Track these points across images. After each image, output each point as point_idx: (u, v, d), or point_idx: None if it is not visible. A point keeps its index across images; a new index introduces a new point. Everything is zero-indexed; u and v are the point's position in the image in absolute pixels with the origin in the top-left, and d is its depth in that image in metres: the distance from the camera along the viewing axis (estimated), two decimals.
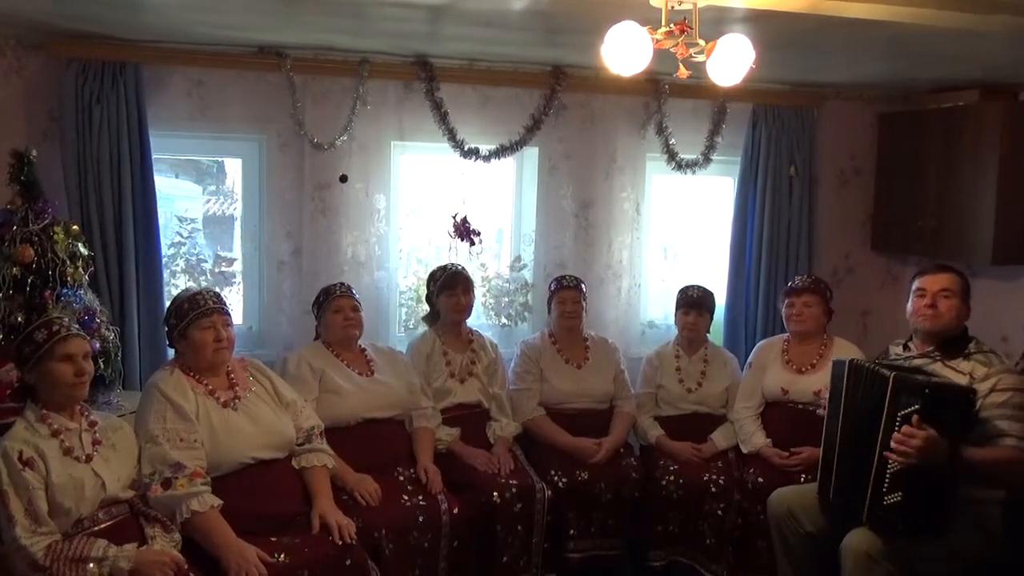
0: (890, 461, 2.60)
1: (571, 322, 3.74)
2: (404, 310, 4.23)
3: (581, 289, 3.77)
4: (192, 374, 2.78)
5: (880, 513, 2.67)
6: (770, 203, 4.32)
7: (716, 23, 2.76)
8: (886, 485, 2.64)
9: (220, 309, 2.84)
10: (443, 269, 3.67)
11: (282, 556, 2.55)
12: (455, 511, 3.10)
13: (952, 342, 2.89)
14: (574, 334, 3.80)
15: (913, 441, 2.52)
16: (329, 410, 3.16)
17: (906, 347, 3.05)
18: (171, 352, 2.95)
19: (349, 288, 3.44)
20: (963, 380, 2.76)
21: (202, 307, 2.79)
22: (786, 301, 3.69)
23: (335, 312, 3.34)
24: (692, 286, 3.85)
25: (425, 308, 3.82)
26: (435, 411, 3.46)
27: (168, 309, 2.90)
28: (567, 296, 3.74)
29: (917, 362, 2.91)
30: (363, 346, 3.45)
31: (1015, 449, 2.64)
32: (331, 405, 3.18)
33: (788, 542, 3.01)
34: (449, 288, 3.59)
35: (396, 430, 3.34)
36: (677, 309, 3.86)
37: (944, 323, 2.90)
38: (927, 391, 2.57)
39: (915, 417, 2.54)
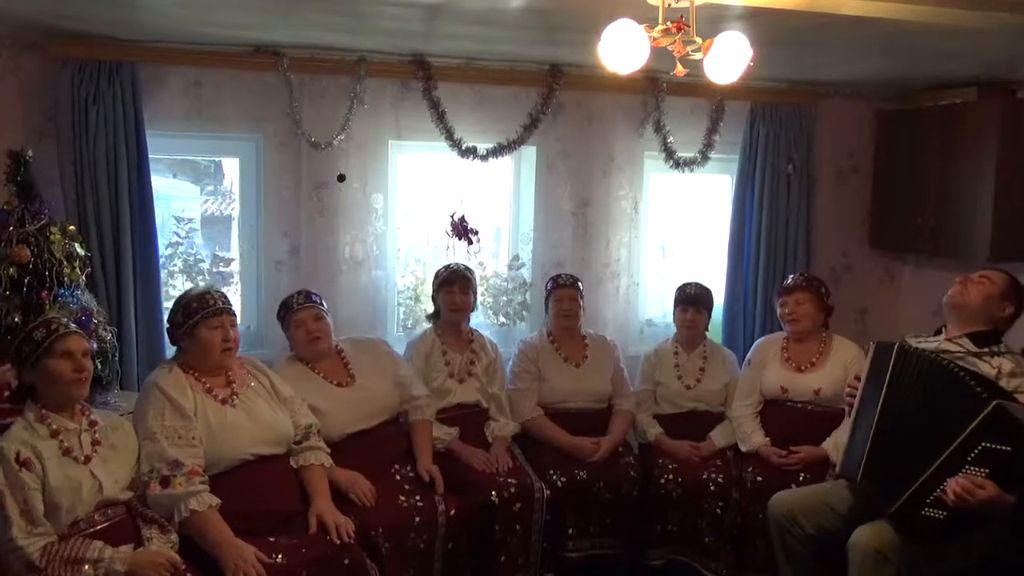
0: (949, 484, 2.50)
1: (568, 321, 3.74)
2: (402, 309, 4.23)
3: (578, 287, 3.77)
4: (192, 372, 2.78)
5: (911, 518, 2.60)
6: (768, 201, 4.32)
7: (713, 21, 2.76)
8: (931, 498, 2.56)
9: (229, 309, 2.84)
10: (445, 267, 3.68)
11: (279, 556, 2.54)
12: (452, 512, 3.09)
13: (984, 336, 2.86)
14: (572, 332, 3.80)
15: (979, 493, 2.44)
16: None
17: (938, 332, 3.02)
18: (168, 352, 2.94)
19: (308, 295, 3.31)
20: (992, 373, 2.73)
21: (212, 306, 2.79)
22: (779, 301, 3.69)
23: (296, 327, 3.24)
24: (690, 283, 3.85)
25: (423, 307, 3.82)
26: (429, 399, 3.41)
27: (174, 307, 2.86)
28: (564, 294, 3.73)
29: (946, 345, 2.89)
30: (339, 347, 3.36)
31: None
32: None
33: (789, 545, 2.99)
34: (447, 285, 3.59)
35: (387, 432, 3.30)
36: (675, 306, 3.86)
37: (966, 300, 2.89)
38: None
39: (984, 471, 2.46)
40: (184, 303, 2.82)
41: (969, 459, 2.50)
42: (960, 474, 2.50)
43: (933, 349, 2.91)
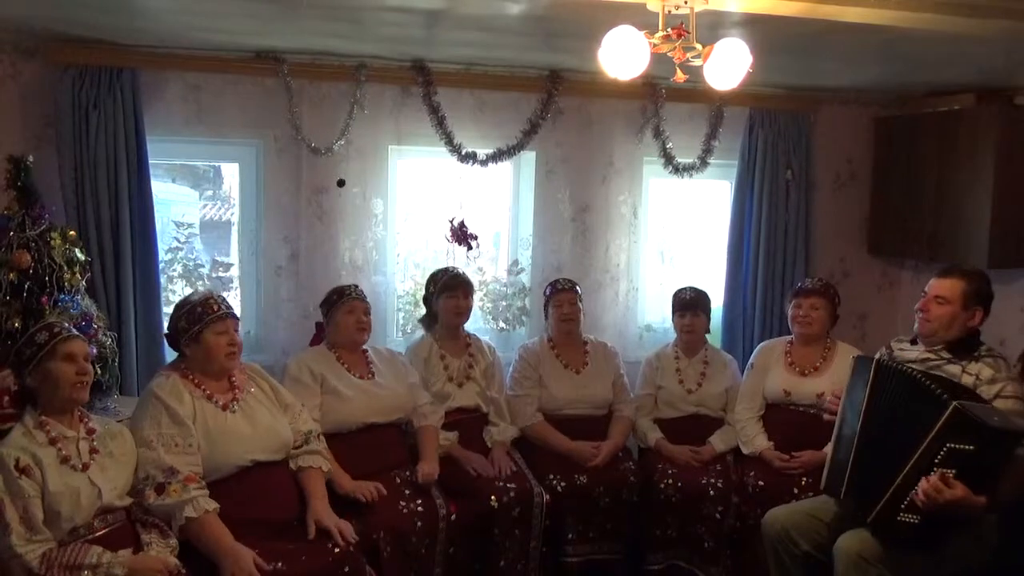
0: (920, 486, 2.52)
1: (569, 325, 3.74)
2: (401, 314, 4.23)
3: (576, 291, 3.77)
4: (192, 378, 2.77)
5: (888, 523, 2.62)
6: (767, 207, 4.33)
7: (713, 27, 2.77)
8: (905, 503, 2.57)
9: (233, 314, 2.86)
10: (444, 271, 3.67)
11: (280, 563, 2.54)
12: (453, 516, 3.09)
13: (960, 344, 2.87)
14: (573, 338, 3.80)
15: (947, 492, 2.45)
16: (331, 415, 3.17)
17: (914, 342, 3.01)
18: (168, 358, 2.93)
19: (362, 292, 3.45)
20: (970, 380, 2.75)
21: (217, 312, 2.79)
22: (793, 302, 3.68)
23: (348, 312, 3.33)
24: (685, 288, 3.85)
25: (423, 312, 3.81)
26: (434, 405, 3.45)
27: (175, 313, 2.85)
28: (563, 299, 3.74)
29: (926, 354, 2.89)
30: (365, 348, 3.45)
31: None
32: (332, 410, 3.19)
33: (784, 564, 2.96)
34: (450, 290, 3.58)
35: (395, 436, 3.34)
36: (673, 313, 3.86)
37: (931, 328, 2.89)
38: (987, 435, 2.46)
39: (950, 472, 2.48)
40: (187, 309, 2.80)
41: (936, 461, 2.53)
42: (929, 476, 2.52)
43: (914, 359, 2.92)
